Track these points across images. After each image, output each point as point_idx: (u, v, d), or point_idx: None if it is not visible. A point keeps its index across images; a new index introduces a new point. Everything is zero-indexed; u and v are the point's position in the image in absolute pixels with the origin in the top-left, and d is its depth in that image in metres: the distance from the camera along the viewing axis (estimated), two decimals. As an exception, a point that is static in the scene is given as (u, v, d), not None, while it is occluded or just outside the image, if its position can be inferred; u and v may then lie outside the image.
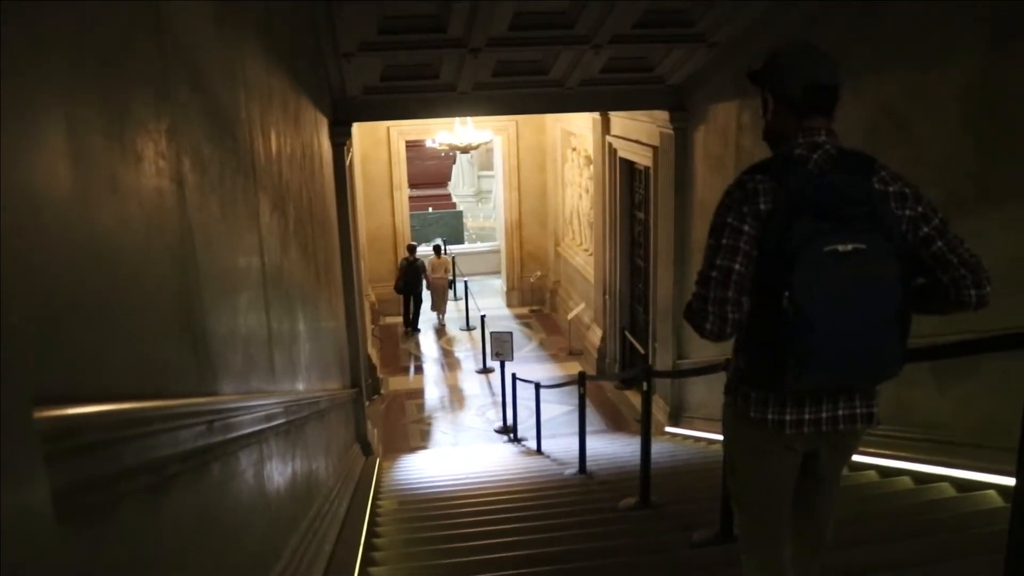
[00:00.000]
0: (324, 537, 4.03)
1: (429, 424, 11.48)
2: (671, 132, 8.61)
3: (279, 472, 3.17)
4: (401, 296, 15.34)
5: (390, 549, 4.66)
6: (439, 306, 16.08)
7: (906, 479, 4.69)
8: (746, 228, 2.07)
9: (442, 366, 14.13)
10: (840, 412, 2.19)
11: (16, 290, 0.90)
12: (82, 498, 1.22)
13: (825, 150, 2.14)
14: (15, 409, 0.72)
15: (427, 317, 16.17)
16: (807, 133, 2.16)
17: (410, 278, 15.06)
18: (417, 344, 15.32)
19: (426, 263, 15.55)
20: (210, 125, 2.40)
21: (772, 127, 2.27)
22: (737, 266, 2.06)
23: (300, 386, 4.14)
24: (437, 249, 16.24)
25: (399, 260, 15.60)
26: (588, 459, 7.29)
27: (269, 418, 2.84)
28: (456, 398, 12.52)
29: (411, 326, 15.61)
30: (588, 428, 10.63)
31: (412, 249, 15.40)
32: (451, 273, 16.53)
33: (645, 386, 5.70)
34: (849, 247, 1.98)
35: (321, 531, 4.02)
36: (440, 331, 15.96)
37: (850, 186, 2.06)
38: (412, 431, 11.23)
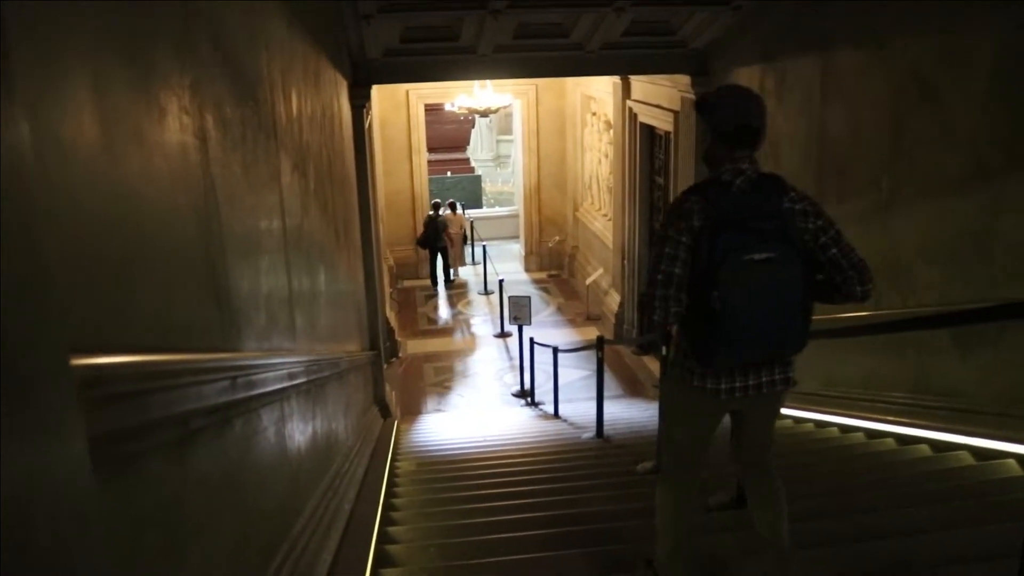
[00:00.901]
0: (344, 496, 4.08)
1: (447, 388, 11.54)
2: (692, 96, 8.51)
3: (300, 431, 3.20)
4: (428, 253, 16.18)
5: (408, 509, 4.70)
6: (453, 262, 16.73)
7: (924, 447, 4.68)
8: (683, 240, 2.57)
9: (460, 330, 14.18)
10: (763, 379, 2.71)
11: (47, 238, 0.90)
12: (111, 448, 1.24)
13: (747, 175, 2.61)
14: (53, 355, 0.72)
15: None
16: (734, 161, 2.62)
17: (431, 233, 15.85)
18: (435, 308, 15.38)
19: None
20: (232, 83, 2.40)
21: (709, 152, 2.72)
22: (677, 270, 2.57)
23: (320, 347, 4.17)
24: (452, 206, 16.87)
25: (424, 217, 16.24)
26: (605, 423, 7.32)
27: (290, 377, 2.86)
28: (474, 362, 12.57)
29: (441, 280, 16.43)
30: (606, 393, 10.66)
31: (436, 207, 16.20)
32: (465, 230, 17.11)
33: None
34: (763, 255, 2.50)
35: (341, 490, 4.06)
36: (452, 284, 16.58)
37: (765, 205, 2.58)
38: (430, 394, 11.30)
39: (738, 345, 2.56)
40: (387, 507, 4.66)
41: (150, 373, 1.34)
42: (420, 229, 16.25)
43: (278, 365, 2.59)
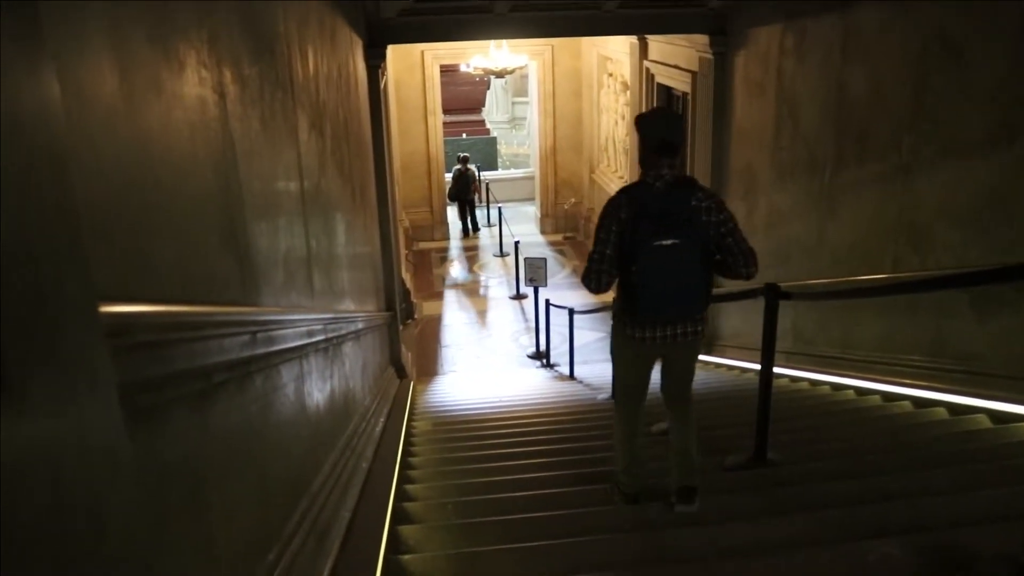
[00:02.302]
0: (362, 454, 4.11)
1: (462, 349, 11.58)
2: (710, 57, 8.41)
3: (318, 389, 3.21)
4: (456, 204, 17.31)
5: (425, 468, 4.74)
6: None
7: (941, 410, 4.66)
8: (614, 228, 3.31)
9: (475, 292, 14.19)
10: (678, 331, 3.45)
11: (75, 184, 0.90)
12: (135, 399, 1.25)
13: (665, 179, 3.32)
14: (82, 300, 0.72)
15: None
16: (658, 167, 3.33)
17: (462, 186, 16.89)
18: (450, 270, 15.40)
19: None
20: (249, 38, 2.38)
21: (642, 157, 3.41)
22: (608, 251, 3.33)
23: (338, 306, 4.18)
24: (464, 160, 17.21)
25: (453, 171, 17.08)
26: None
27: (309, 334, 2.87)
28: (489, 324, 12.59)
29: (471, 228, 17.61)
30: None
31: (464, 160, 16.97)
32: (476, 182, 17.74)
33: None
34: (669, 241, 3.23)
35: (359, 448, 4.10)
36: (476, 233, 17.64)
37: (676, 203, 3.29)
38: (445, 355, 11.35)
39: (653, 306, 3.33)
40: (404, 465, 4.70)
41: (174, 324, 1.34)
42: (435, 191, 16.38)
43: (297, 322, 2.60)
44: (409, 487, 4.13)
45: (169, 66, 1.54)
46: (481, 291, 14.22)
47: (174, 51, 1.59)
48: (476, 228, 17.71)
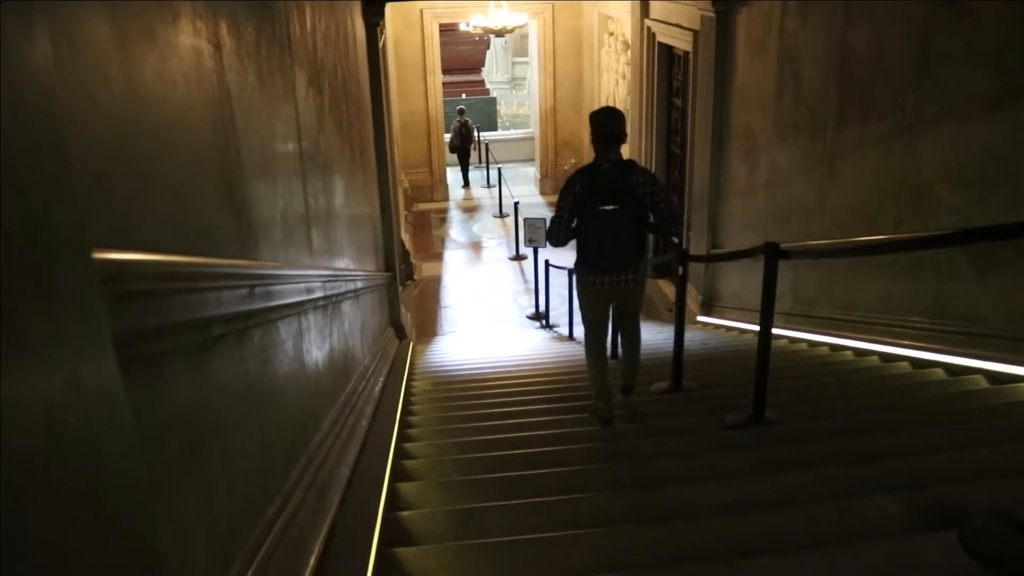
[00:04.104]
0: (361, 412, 4.13)
1: (461, 310, 11.59)
2: (713, 15, 8.31)
3: (317, 346, 3.22)
4: (456, 155, 18.22)
5: (424, 426, 4.76)
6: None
7: (939, 371, 4.68)
8: (571, 198, 4.31)
9: (475, 252, 14.18)
10: (622, 278, 4.41)
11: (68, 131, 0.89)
12: (130, 348, 1.24)
13: (611, 162, 4.30)
14: (76, 243, 0.71)
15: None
16: (606, 153, 4.32)
17: (464, 137, 18.01)
18: (449, 230, 15.36)
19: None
20: (245, -11, 2.35)
21: (593, 145, 4.38)
22: (566, 216, 4.34)
23: (336, 265, 4.17)
24: (461, 112, 18.25)
25: (455, 124, 18.03)
26: (620, 345, 7.34)
27: (308, 291, 2.87)
28: (489, 284, 12.59)
29: (464, 180, 18.64)
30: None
31: (463, 112, 18.12)
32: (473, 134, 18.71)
33: (680, 270, 5.70)
34: (611, 207, 4.24)
35: (358, 407, 4.11)
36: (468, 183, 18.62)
37: (619, 179, 4.27)
38: (445, 316, 11.37)
39: (599, 255, 4.34)
40: (403, 424, 4.72)
41: (168, 273, 1.33)
42: (434, 152, 16.43)
43: (295, 277, 2.59)
44: (408, 445, 4.15)
45: (162, 14, 1.52)
46: (481, 251, 14.20)
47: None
48: (467, 181, 18.65)
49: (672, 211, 4.39)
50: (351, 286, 4.55)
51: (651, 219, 4.42)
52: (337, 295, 3.88)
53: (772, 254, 3.86)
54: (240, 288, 1.84)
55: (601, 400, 4.55)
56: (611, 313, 4.74)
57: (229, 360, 1.86)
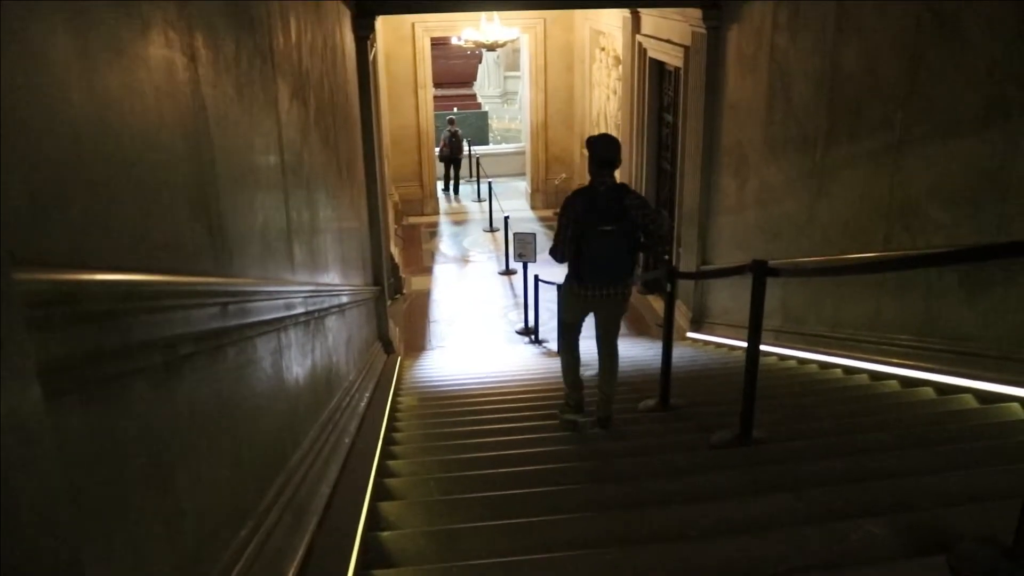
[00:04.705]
0: (344, 429, 4.07)
1: (451, 324, 11.54)
2: (703, 31, 8.32)
3: (298, 363, 3.16)
4: (443, 164, 18.44)
5: (409, 443, 4.70)
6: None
7: (928, 390, 4.65)
8: (571, 218, 4.58)
9: (465, 267, 14.13)
10: (609, 291, 4.72)
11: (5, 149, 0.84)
12: (87, 370, 1.20)
13: (608, 185, 4.59)
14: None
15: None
16: (601, 176, 4.60)
17: (454, 146, 18.33)
18: (439, 244, 15.32)
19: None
20: (225, 3, 2.31)
21: (590, 169, 4.66)
22: (568, 235, 4.61)
23: (320, 280, 4.12)
24: (451, 122, 18.59)
25: (445, 134, 18.29)
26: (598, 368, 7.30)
27: (287, 307, 2.82)
28: (478, 299, 12.54)
29: (452, 190, 18.91)
30: (619, 331, 10.66)
31: (453, 122, 18.50)
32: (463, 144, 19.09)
33: (668, 287, 5.67)
34: (607, 228, 4.51)
35: (341, 423, 4.06)
36: (457, 192, 19.00)
37: (613, 202, 4.55)
38: (433, 330, 11.30)
39: (593, 272, 4.64)
40: (388, 441, 4.66)
41: (129, 293, 1.28)
42: (425, 165, 16.53)
43: (274, 294, 2.54)
44: (392, 463, 4.09)
45: (130, 25, 1.48)
46: (470, 266, 14.15)
47: (136, 10, 1.52)
48: (457, 190, 18.95)
49: (661, 232, 4.75)
50: (336, 301, 4.50)
51: (642, 239, 4.67)
52: (320, 310, 3.83)
53: (760, 272, 3.82)
54: (211, 306, 1.79)
55: (575, 390, 5.01)
56: (588, 329, 5.01)
57: (199, 379, 1.81)
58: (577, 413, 4.94)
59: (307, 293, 3.30)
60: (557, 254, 4.73)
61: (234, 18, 2.42)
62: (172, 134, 1.74)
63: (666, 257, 10.47)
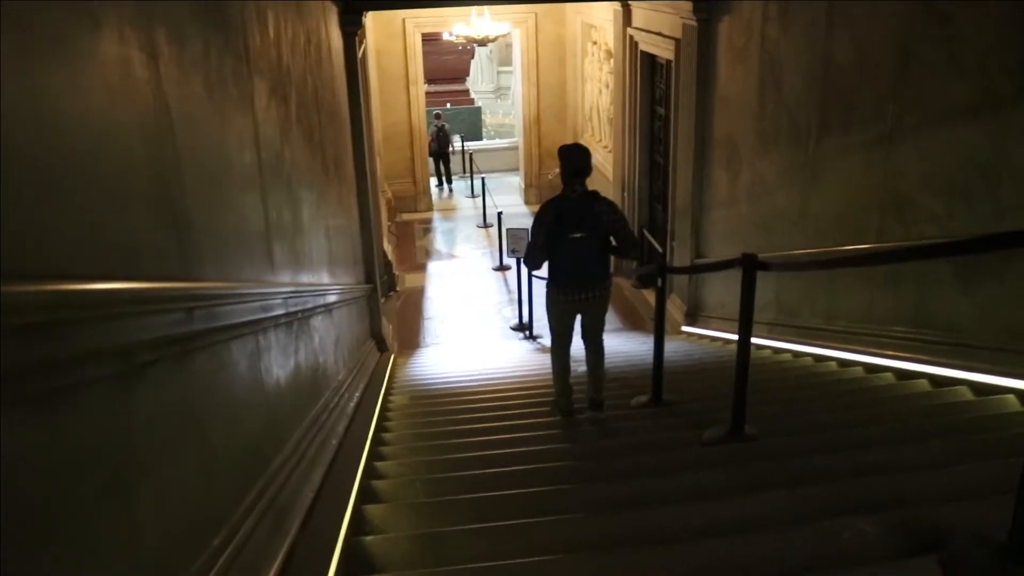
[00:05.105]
0: (331, 430, 4.02)
1: (445, 321, 11.48)
2: (694, 23, 8.25)
3: (279, 365, 3.11)
4: (432, 159, 18.51)
5: (398, 444, 4.65)
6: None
7: (923, 382, 4.60)
8: (544, 227, 4.80)
9: (458, 263, 14.07)
10: (588, 295, 4.92)
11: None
12: (28, 383, 1.14)
13: (579, 192, 4.80)
14: None
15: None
16: (572, 185, 4.81)
17: (442, 141, 18.55)
18: (433, 241, 15.26)
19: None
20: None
21: (562, 178, 4.87)
22: (541, 240, 4.83)
23: (304, 280, 4.06)
24: (438, 116, 18.72)
25: (432, 130, 18.32)
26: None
27: (265, 308, 2.76)
28: (472, 295, 12.48)
29: (444, 183, 19.23)
30: (606, 327, 10.59)
31: (440, 116, 18.69)
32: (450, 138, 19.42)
33: (659, 282, 5.61)
34: (578, 235, 4.74)
35: (328, 424, 4.00)
36: (447, 186, 19.33)
37: (584, 209, 4.78)
38: (428, 327, 11.24)
39: (568, 276, 4.87)
40: (376, 441, 4.61)
41: (71, 302, 1.22)
42: (418, 162, 16.55)
43: (248, 296, 2.48)
44: (379, 464, 4.03)
45: (77, 21, 1.42)
46: (464, 262, 14.09)
47: (84, 8, 1.46)
48: (450, 181, 19.30)
49: (631, 237, 4.99)
50: (322, 301, 4.44)
51: (614, 243, 4.91)
52: (304, 311, 3.77)
53: (749, 266, 3.77)
54: (174, 311, 1.73)
55: (563, 396, 5.20)
56: (577, 327, 5.20)
57: (163, 386, 1.75)
58: (566, 415, 5.11)
59: (288, 294, 3.24)
60: (529, 261, 5.04)
61: (203, 15, 2.36)
62: (128, 134, 1.68)
63: (660, 251, 10.45)
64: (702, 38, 8.21)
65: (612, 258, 5.05)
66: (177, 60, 2.02)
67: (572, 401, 5.16)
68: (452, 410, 5.75)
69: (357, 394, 5.41)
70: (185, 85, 2.09)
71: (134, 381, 1.57)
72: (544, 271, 5.17)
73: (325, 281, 4.99)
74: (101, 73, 1.53)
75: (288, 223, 3.67)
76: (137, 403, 1.59)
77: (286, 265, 3.51)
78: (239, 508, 2.30)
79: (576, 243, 4.74)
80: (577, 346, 5.25)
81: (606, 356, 5.29)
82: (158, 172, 1.84)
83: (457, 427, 5.05)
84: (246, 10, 2.96)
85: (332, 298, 5.01)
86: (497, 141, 22.10)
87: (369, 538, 2.87)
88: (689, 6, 8.19)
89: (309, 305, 3.92)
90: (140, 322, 1.54)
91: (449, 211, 17.35)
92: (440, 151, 18.71)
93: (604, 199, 4.92)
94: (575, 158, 4.82)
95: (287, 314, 3.24)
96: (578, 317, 5.11)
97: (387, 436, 4.84)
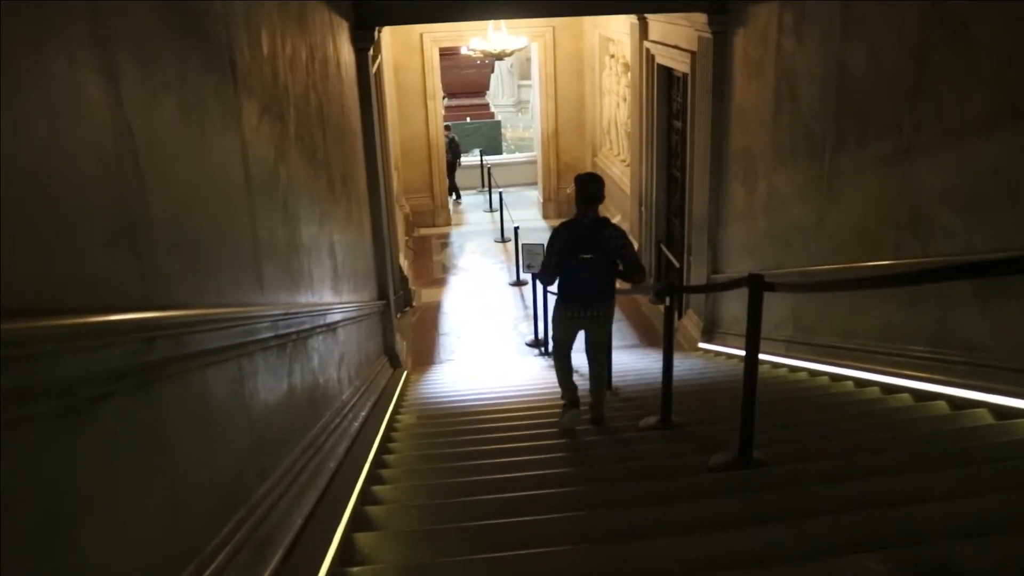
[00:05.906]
0: (330, 453, 3.93)
1: (460, 336, 11.39)
2: (709, 36, 8.15)
3: (268, 389, 3.02)
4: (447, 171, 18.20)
5: (399, 467, 4.54)
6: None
7: (942, 404, 4.45)
8: (556, 247, 5.16)
9: (476, 278, 13.99)
10: (592, 313, 5.24)
11: None
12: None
13: (589, 218, 5.15)
14: None
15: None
16: (584, 211, 5.17)
17: (455, 151, 18.76)
18: (450, 256, 15.20)
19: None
20: (161, 13, 2.17)
21: (576, 203, 5.24)
22: (553, 261, 5.18)
23: (303, 299, 3.98)
24: (448, 128, 18.60)
25: (445, 140, 17.96)
26: (616, 375, 7.13)
27: (248, 332, 2.68)
28: (489, 311, 12.38)
29: (454, 193, 19.16)
30: (621, 343, 10.46)
31: (449, 128, 18.68)
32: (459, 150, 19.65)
33: (667, 301, 5.51)
34: (587, 256, 5.08)
35: (327, 447, 3.91)
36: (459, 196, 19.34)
37: (593, 234, 5.12)
38: (443, 343, 11.16)
39: (575, 296, 5.20)
40: (377, 464, 4.51)
41: (4, 340, 1.15)
42: (435, 176, 16.66)
43: (225, 321, 2.40)
44: (377, 488, 3.93)
45: (10, 40, 1.34)
46: (481, 277, 14.00)
47: (26, 30, 1.39)
48: (457, 193, 19.29)
49: (636, 262, 5.28)
50: (322, 320, 4.36)
51: (620, 267, 5.21)
52: (300, 332, 3.69)
53: (756, 286, 3.65)
54: (127, 342, 1.65)
55: (568, 391, 5.50)
56: (582, 340, 5.56)
57: (118, 420, 1.67)
58: (572, 408, 5.38)
59: (278, 316, 3.16)
60: (542, 277, 5.51)
61: (178, 33, 2.29)
62: (82, 160, 1.61)
63: (677, 266, 10.32)
64: (718, 50, 8.12)
65: (618, 281, 5.31)
66: (142, 81, 1.95)
67: (578, 399, 5.45)
68: (459, 430, 5.65)
69: (363, 413, 5.32)
70: (153, 108, 2.02)
71: (81, 416, 1.49)
72: (556, 287, 5.36)
73: (328, 299, 4.91)
74: (44, 98, 1.45)
75: (282, 242, 3.59)
76: (87, 438, 1.51)
77: (279, 286, 3.44)
78: (212, 541, 2.22)
79: (584, 264, 5.08)
80: (579, 363, 5.55)
81: (620, 371, 5.37)
82: (118, 197, 1.76)
83: (462, 448, 4.95)
84: (232, 27, 2.89)
85: (336, 316, 4.93)
86: (516, 155, 22.05)
87: (355, 569, 2.78)
88: (704, 18, 8.10)
89: (306, 326, 3.84)
90: (84, 356, 1.46)
91: (465, 225, 17.28)
92: (451, 163, 18.76)
93: (613, 226, 5.26)
94: (588, 186, 5.19)
95: (277, 336, 3.16)
96: (581, 333, 5.45)
97: (389, 458, 4.74)
